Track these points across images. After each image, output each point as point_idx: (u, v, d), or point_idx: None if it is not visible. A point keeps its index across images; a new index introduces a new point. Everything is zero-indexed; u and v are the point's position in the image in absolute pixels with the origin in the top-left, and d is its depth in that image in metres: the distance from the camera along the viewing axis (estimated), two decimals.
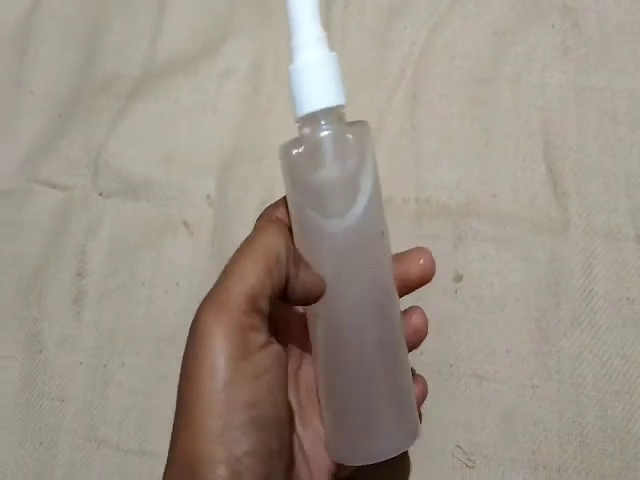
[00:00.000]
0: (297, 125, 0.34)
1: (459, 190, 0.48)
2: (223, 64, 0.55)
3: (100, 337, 0.47)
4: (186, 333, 0.45)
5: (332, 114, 0.33)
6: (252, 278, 0.29)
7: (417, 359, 0.44)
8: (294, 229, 0.34)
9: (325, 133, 0.32)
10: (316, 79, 0.32)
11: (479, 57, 0.52)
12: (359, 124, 0.34)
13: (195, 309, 0.31)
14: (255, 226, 0.33)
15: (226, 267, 0.30)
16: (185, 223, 0.50)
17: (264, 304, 0.29)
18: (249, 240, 0.31)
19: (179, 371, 0.30)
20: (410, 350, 0.37)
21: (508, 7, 0.52)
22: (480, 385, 0.43)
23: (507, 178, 0.48)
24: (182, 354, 0.45)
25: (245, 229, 0.33)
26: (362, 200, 0.32)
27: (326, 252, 0.32)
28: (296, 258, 0.31)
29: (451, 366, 0.43)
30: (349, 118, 0.50)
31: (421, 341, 0.37)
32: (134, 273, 0.49)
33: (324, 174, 0.32)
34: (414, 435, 0.34)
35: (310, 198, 0.32)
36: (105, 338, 0.47)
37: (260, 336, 0.29)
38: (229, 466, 0.26)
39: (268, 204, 0.49)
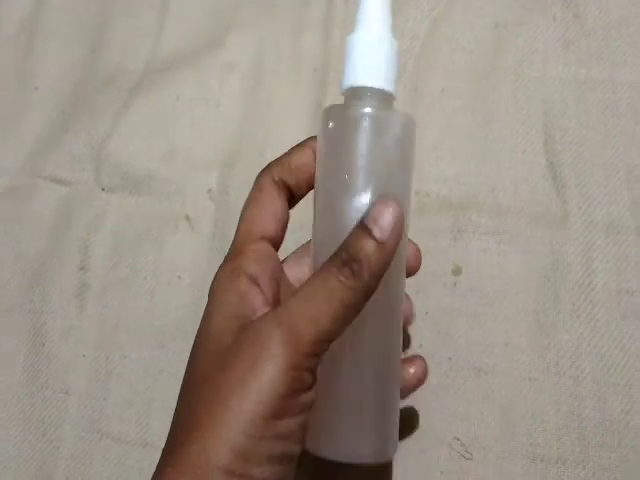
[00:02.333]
0: (343, 93, 0.34)
1: (459, 183, 0.48)
2: (226, 58, 0.55)
3: (103, 330, 0.48)
4: (186, 326, 0.46)
5: (385, 98, 0.33)
6: (327, 323, 0.28)
7: (416, 352, 0.44)
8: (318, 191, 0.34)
9: (375, 112, 0.32)
10: (383, 57, 0.32)
11: (480, 50, 0.52)
12: (407, 115, 0.33)
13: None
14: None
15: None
16: (187, 217, 0.50)
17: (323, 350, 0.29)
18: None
19: (180, 363, 0.31)
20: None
21: None
22: (479, 378, 0.43)
23: (507, 171, 0.48)
24: (184, 347, 0.45)
25: None
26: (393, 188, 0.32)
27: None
28: None
29: (450, 359, 0.44)
30: None
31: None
32: (136, 267, 0.49)
33: (362, 151, 0.32)
34: (392, 451, 0.34)
35: (342, 173, 0.32)
36: (107, 331, 0.48)
37: (311, 377, 0.29)
38: None
39: None
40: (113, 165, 0.52)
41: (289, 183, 0.34)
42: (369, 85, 0.32)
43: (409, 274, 0.37)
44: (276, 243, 0.34)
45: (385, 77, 0.33)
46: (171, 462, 0.27)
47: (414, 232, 0.47)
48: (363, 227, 0.29)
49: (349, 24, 0.54)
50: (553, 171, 0.47)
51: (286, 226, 0.35)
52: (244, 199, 0.50)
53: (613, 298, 0.43)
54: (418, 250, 0.38)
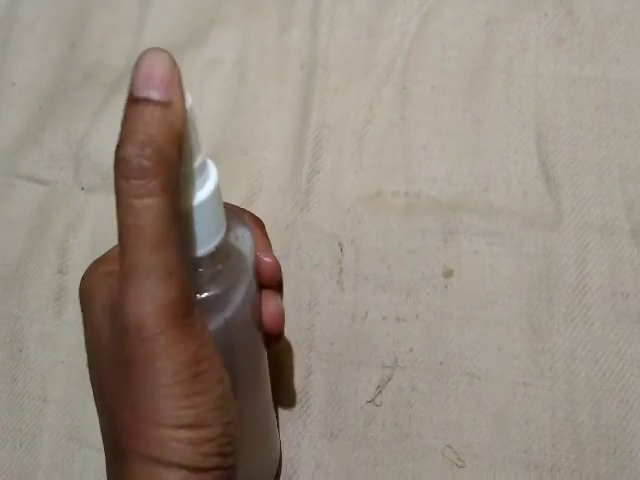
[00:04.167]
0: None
1: (450, 184, 0.47)
2: (209, 54, 0.54)
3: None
4: None
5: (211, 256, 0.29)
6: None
7: (406, 356, 0.43)
8: None
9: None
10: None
11: (471, 47, 0.51)
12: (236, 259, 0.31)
13: None
14: None
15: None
16: None
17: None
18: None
19: None
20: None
21: None
22: (471, 383, 0.42)
23: (499, 171, 0.47)
24: None
25: None
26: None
27: None
28: None
29: (441, 364, 0.42)
30: (336, 109, 0.50)
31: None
32: None
33: None
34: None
35: None
36: None
37: (196, 312, 0.26)
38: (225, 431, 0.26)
39: (255, 197, 0.48)
40: (93, 164, 0.50)
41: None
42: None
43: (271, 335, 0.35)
44: None
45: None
46: None
47: (404, 234, 0.46)
48: (134, 101, 0.24)
49: (336, 20, 0.53)
50: (546, 171, 0.46)
51: None
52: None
53: (608, 301, 0.42)
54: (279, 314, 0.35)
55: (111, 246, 0.48)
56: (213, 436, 0.26)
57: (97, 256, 0.48)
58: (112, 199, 0.48)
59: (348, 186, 0.48)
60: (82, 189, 0.50)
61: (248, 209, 0.47)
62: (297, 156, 0.49)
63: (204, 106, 0.51)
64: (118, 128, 0.51)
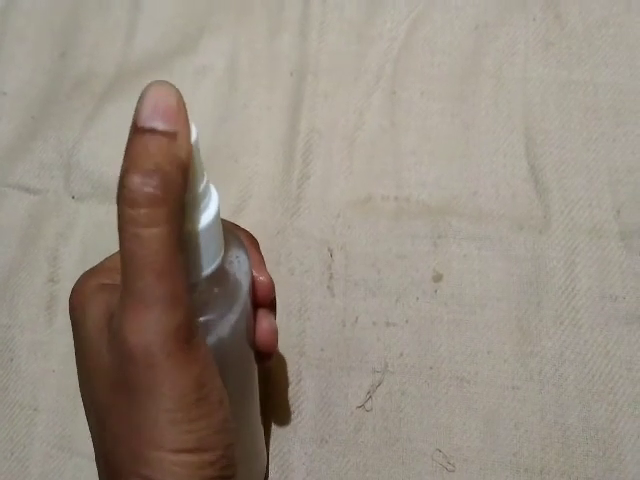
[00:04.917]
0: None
1: (439, 188, 0.47)
2: (199, 62, 0.54)
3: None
4: None
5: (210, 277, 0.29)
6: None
7: (396, 361, 0.43)
8: None
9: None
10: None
11: (460, 52, 0.51)
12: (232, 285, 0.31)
13: None
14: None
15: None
16: None
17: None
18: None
19: None
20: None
21: None
22: (461, 387, 0.42)
23: (488, 175, 0.47)
24: None
25: None
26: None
27: None
28: None
29: (431, 368, 0.43)
30: (326, 115, 0.50)
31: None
32: None
33: None
34: None
35: None
36: None
37: (199, 334, 0.27)
38: (226, 454, 0.26)
39: (245, 204, 0.48)
40: (83, 172, 0.50)
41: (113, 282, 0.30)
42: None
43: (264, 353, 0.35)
44: None
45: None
46: None
47: (394, 238, 0.46)
48: (140, 131, 0.24)
49: (326, 26, 0.53)
50: (535, 175, 0.46)
51: None
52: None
53: (597, 304, 0.42)
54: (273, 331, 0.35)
55: (102, 255, 0.48)
56: (214, 459, 0.26)
57: (88, 265, 0.48)
58: (102, 208, 0.49)
59: (338, 192, 0.48)
60: (72, 198, 0.50)
61: (238, 216, 0.48)
62: (287, 162, 0.49)
63: (194, 113, 0.51)
64: (109, 137, 0.52)
